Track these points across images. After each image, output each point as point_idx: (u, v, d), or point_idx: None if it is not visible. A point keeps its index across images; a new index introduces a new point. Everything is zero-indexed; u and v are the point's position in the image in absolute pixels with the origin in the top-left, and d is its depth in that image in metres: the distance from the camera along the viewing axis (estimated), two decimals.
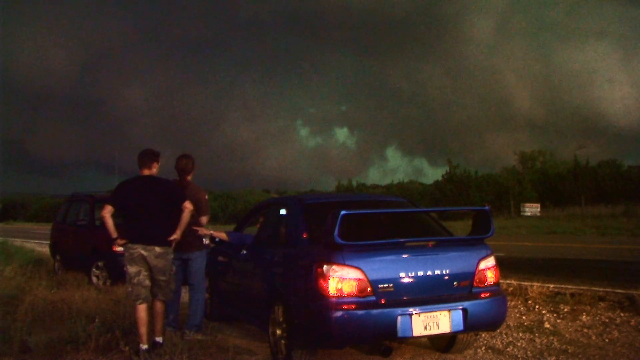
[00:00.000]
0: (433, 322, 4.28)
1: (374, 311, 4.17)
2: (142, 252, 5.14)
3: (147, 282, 5.16)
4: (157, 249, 5.18)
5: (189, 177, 6.12)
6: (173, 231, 5.25)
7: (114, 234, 5.20)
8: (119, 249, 9.12)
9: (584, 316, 6.22)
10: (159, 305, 5.26)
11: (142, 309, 5.11)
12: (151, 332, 5.18)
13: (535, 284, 7.44)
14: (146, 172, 5.31)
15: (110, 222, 5.17)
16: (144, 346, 5.05)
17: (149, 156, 5.32)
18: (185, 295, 6.52)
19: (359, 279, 4.19)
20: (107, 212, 5.18)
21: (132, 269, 5.15)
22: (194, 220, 5.96)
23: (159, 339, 5.21)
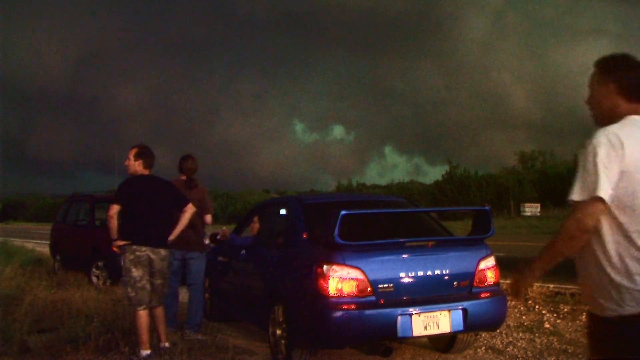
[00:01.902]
0: (433, 322, 4.28)
1: (374, 311, 4.16)
2: (150, 254, 4.97)
3: (149, 287, 4.98)
4: (163, 252, 5.06)
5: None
6: (171, 233, 5.18)
7: (115, 235, 5.01)
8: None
9: (584, 316, 6.21)
10: (159, 311, 5.10)
11: (144, 315, 4.94)
12: (152, 339, 5.09)
13: (535, 284, 7.44)
14: (148, 171, 5.19)
15: (115, 223, 4.98)
16: (146, 352, 4.91)
17: (153, 155, 5.21)
18: (184, 295, 6.52)
19: (359, 279, 4.19)
20: (115, 212, 4.97)
21: (137, 273, 4.93)
22: (199, 219, 6.00)
23: (166, 344, 5.08)
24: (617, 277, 1.98)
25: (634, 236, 1.98)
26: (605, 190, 1.96)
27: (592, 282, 2.06)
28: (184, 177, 6.09)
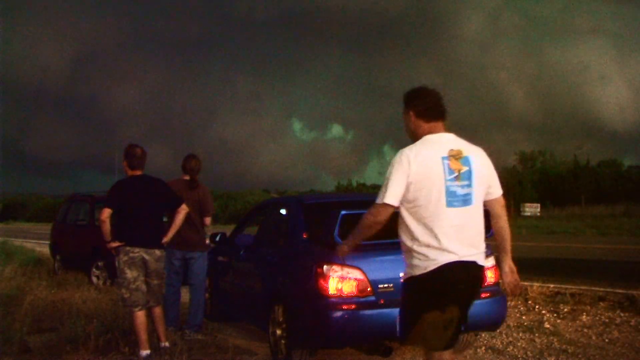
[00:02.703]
0: None
1: (374, 311, 4.16)
2: (144, 255, 4.96)
3: (144, 288, 4.98)
4: (157, 252, 5.05)
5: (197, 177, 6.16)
6: (165, 233, 5.16)
7: (109, 237, 4.99)
8: None
9: (584, 316, 6.22)
10: (157, 310, 5.10)
11: (141, 315, 4.94)
12: (151, 338, 5.09)
13: (535, 284, 7.45)
14: (140, 171, 5.13)
15: (107, 226, 4.95)
16: (146, 352, 4.91)
17: (145, 155, 5.14)
18: (184, 295, 6.52)
19: (359, 279, 4.19)
20: (107, 215, 4.94)
21: (131, 274, 4.92)
22: (199, 219, 6.00)
23: (166, 344, 5.10)
24: (418, 248, 2.85)
25: (424, 222, 2.82)
26: (391, 198, 2.82)
27: (407, 252, 2.94)
28: (186, 177, 6.08)
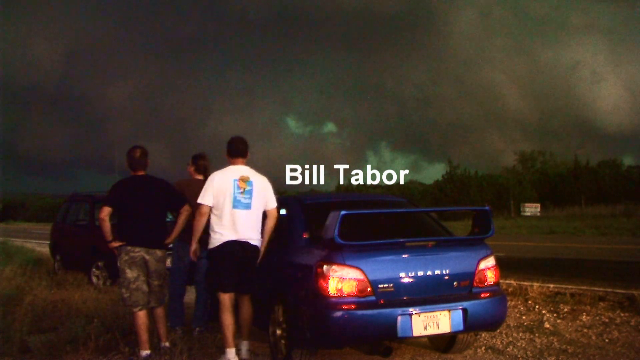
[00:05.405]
0: (433, 322, 4.28)
1: (374, 311, 4.16)
2: (145, 255, 4.97)
3: (145, 288, 4.98)
4: (159, 253, 5.05)
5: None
6: (169, 234, 5.16)
7: (110, 237, 5.01)
8: None
9: (584, 316, 6.22)
10: (159, 311, 5.10)
11: (142, 315, 4.94)
12: (152, 338, 5.10)
13: (535, 284, 7.44)
14: (142, 172, 5.13)
15: (108, 225, 4.96)
16: (146, 352, 4.92)
17: (145, 156, 5.14)
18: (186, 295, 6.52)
19: (359, 279, 4.19)
20: (106, 214, 4.96)
21: (131, 274, 4.93)
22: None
23: (166, 344, 5.11)
24: (215, 231, 4.81)
25: (219, 216, 4.80)
26: (206, 200, 4.81)
27: (209, 234, 4.84)
28: (200, 177, 6.02)
